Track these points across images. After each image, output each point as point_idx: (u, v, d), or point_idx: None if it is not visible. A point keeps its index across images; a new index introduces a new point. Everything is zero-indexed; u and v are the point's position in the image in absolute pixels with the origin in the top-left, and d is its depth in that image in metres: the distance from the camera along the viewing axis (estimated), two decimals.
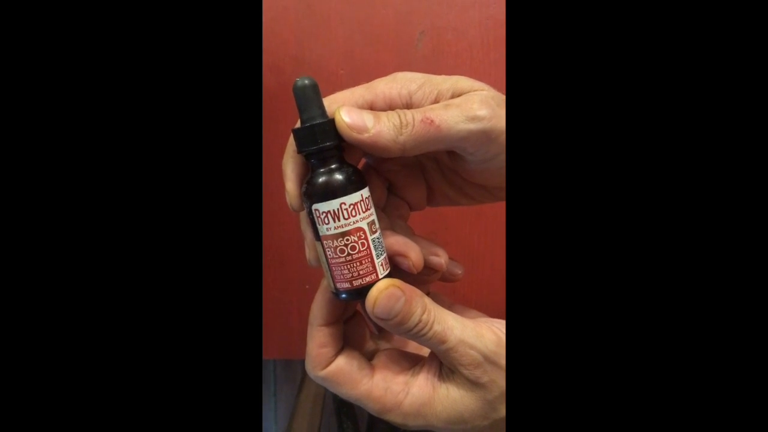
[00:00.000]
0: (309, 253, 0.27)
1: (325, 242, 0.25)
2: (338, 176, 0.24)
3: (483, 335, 0.25)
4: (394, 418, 0.27)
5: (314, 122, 0.24)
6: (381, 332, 0.32)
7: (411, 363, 0.28)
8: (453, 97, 0.26)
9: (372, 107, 0.26)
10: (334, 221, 0.24)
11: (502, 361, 0.25)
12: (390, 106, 0.26)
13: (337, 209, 0.24)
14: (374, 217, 0.25)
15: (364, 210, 0.24)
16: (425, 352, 0.29)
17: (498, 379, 0.25)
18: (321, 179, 0.24)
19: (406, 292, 0.25)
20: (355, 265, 0.25)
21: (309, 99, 0.24)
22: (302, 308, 0.49)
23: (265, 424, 1.08)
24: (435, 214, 0.45)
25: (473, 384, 0.26)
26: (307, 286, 0.48)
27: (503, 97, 0.26)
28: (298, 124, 0.25)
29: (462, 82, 0.26)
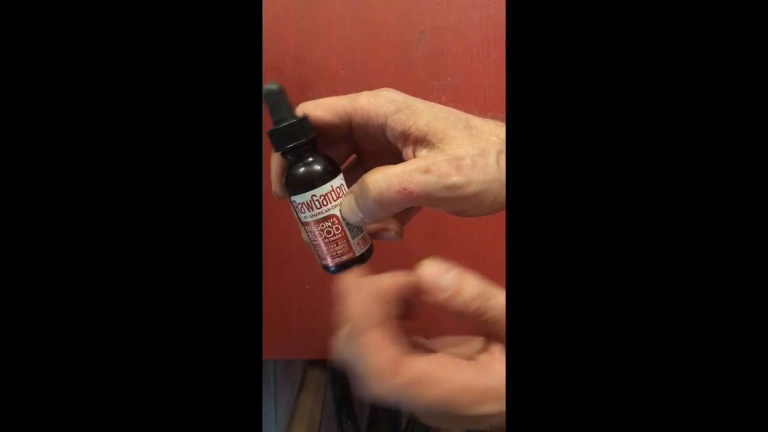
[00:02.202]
0: (303, 235, 0.29)
1: (306, 227, 0.28)
2: (310, 169, 0.27)
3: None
4: (492, 406, 0.22)
5: (284, 123, 0.27)
6: None
7: (465, 344, 0.25)
8: (426, 137, 0.26)
9: (351, 119, 0.28)
10: (309, 210, 0.27)
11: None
12: (366, 122, 0.27)
13: (309, 200, 0.27)
14: None
15: (335, 198, 0.27)
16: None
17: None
18: (294, 173, 0.27)
19: (460, 273, 0.23)
20: (332, 246, 0.28)
21: (278, 102, 0.27)
22: (302, 308, 0.49)
23: (265, 424, 1.08)
24: (435, 214, 0.45)
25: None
26: (307, 286, 0.48)
27: (488, 144, 0.26)
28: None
29: (439, 125, 0.26)
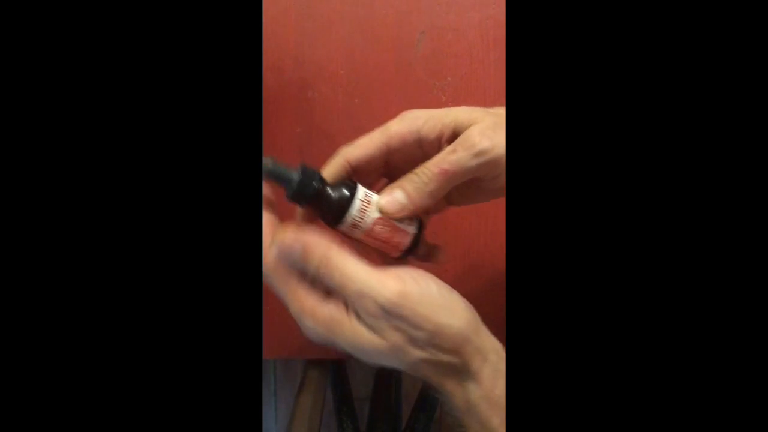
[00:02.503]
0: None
1: (365, 242, 0.30)
2: (336, 199, 0.29)
3: (386, 285, 0.26)
4: (304, 322, 0.27)
5: (293, 183, 0.29)
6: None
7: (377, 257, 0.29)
8: (455, 131, 0.30)
9: (388, 147, 0.31)
10: (356, 229, 0.29)
11: (405, 311, 0.25)
12: (403, 143, 0.30)
13: (352, 222, 0.29)
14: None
15: (368, 205, 0.29)
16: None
17: (402, 326, 0.26)
18: (325, 210, 0.30)
19: (306, 242, 0.26)
20: (390, 241, 0.30)
21: (277, 172, 0.29)
22: None
23: (265, 424, 1.08)
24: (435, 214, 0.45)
25: (377, 329, 0.26)
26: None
27: (499, 118, 0.30)
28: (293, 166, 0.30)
29: (461, 114, 0.30)
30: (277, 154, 0.47)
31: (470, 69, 0.45)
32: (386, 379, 0.72)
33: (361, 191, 0.30)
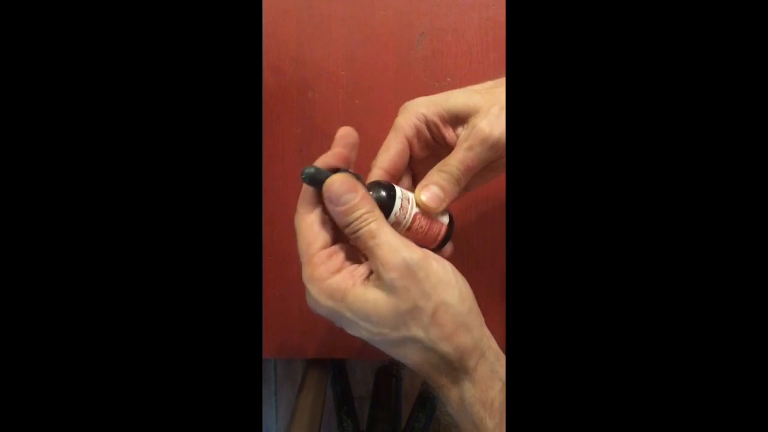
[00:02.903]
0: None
1: (406, 235, 0.31)
2: (380, 198, 0.31)
3: (412, 248, 0.27)
4: (310, 289, 0.28)
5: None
6: None
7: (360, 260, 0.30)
8: (455, 114, 0.33)
9: (409, 142, 0.33)
10: (399, 226, 0.31)
11: (421, 273, 0.27)
12: (418, 131, 0.33)
13: (395, 219, 0.31)
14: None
15: (408, 203, 0.32)
16: None
17: (412, 289, 0.26)
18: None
19: (360, 192, 0.28)
20: (429, 234, 0.33)
21: (322, 179, 0.29)
22: (302, 308, 0.49)
23: (265, 424, 1.08)
24: None
25: (388, 288, 0.27)
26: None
27: (494, 97, 0.32)
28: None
29: (459, 99, 0.33)
30: (277, 154, 0.47)
31: (470, 69, 0.45)
32: (386, 378, 0.72)
33: (398, 190, 0.32)
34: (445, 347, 0.27)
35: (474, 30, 0.45)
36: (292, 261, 0.48)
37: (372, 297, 0.27)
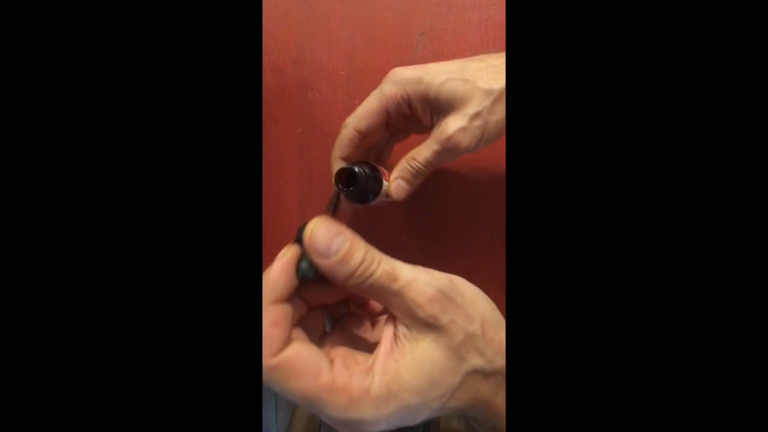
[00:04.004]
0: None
1: (377, 204, 0.39)
2: (375, 181, 0.36)
3: (434, 274, 0.24)
4: (365, 410, 0.22)
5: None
6: (333, 327, 0.29)
7: (366, 346, 0.26)
8: (440, 105, 0.34)
9: (386, 110, 0.35)
10: (378, 201, 0.38)
11: (458, 298, 0.24)
12: (398, 106, 0.35)
13: (377, 200, 0.38)
14: None
15: (387, 182, 0.38)
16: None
17: (458, 319, 0.23)
18: (370, 188, 0.37)
19: (347, 233, 0.23)
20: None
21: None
22: None
23: (265, 424, 1.08)
24: (435, 214, 0.46)
25: (434, 329, 0.23)
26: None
27: (492, 62, 0.34)
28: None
29: (447, 86, 0.33)
30: (277, 154, 0.47)
31: None
32: None
33: (380, 173, 0.37)
34: (501, 361, 0.24)
35: (474, 30, 0.45)
36: None
37: (423, 354, 0.23)
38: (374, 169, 0.36)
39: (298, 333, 0.24)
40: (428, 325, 0.23)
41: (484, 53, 0.36)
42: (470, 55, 0.45)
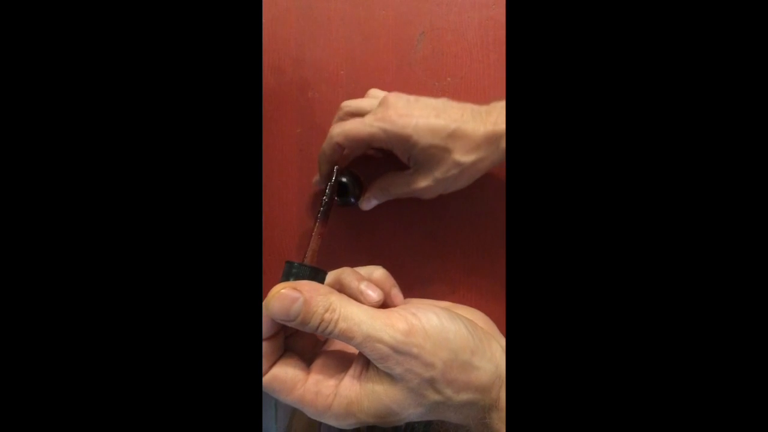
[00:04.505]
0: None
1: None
2: (359, 185, 0.44)
3: (393, 325, 0.26)
4: (328, 420, 0.27)
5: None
6: (325, 342, 0.34)
7: (346, 364, 0.29)
8: (419, 159, 0.38)
9: (370, 144, 0.39)
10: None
11: (414, 349, 0.25)
12: (381, 143, 0.38)
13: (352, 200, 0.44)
14: None
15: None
16: None
17: (414, 368, 0.25)
18: (358, 190, 0.44)
19: (305, 292, 0.26)
20: None
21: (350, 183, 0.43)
22: None
23: (265, 424, 1.07)
24: (434, 214, 0.45)
25: (391, 379, 0.26)
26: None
27: (420, 107, 0.37)
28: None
29: (432, 151, 0.37)
30: (277, 154, 0.47)
31: (470, 69, 0.45)
32: None
33: (361, 181, 0.43)
34: (466, 396, 0.26)
35: (474, 30, 0.45)
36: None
37: (382, 390, 0.26)
38: (357, 177, 0.43)
39: (287, 354, 0.29)
40: (387, 375, 0.26)
41: (494, 101, 0.37)
42: (471, 54, 0.45)
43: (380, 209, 0.45)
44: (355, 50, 0.46)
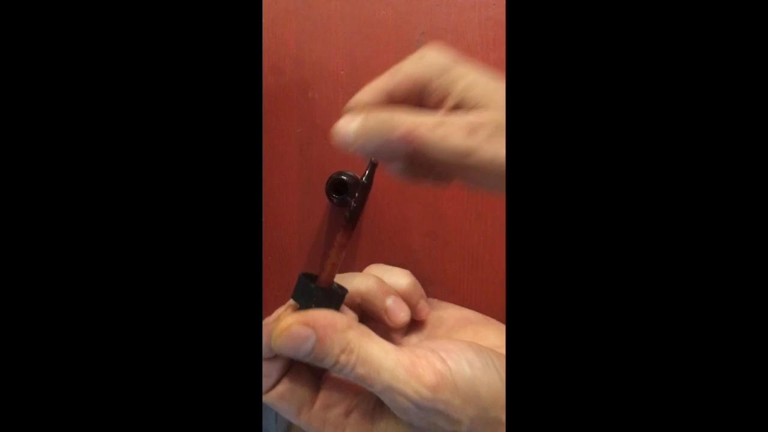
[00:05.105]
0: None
1: None
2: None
3: (418, 377, 0.23)
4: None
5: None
6: None
7: (357, 389, 0.26)
8: (459, 106, 0.25)
9: (392, 95, 0.26)
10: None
11: (441, 405, 0.23)
12: (410, 91, 0.26)
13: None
14: None
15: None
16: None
17: (438, 421, 0.23)
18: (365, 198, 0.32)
19: (318, 329, 0.23)
20: None
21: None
22: None
23: (265, 424, 1.07)
24: (435, 214, 0.45)
25: (408, 425, 0.23)
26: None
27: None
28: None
29: (478, 88, 0.25)
30: (277, 154, 0.47)
31: None
32: None
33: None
34: None
35: (474, 29, 0.45)
36: (292, 261, 0.48)
37: None
38: (355, 177, 0.41)
39: (295, 368, 0.27)
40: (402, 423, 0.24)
41: None
42: (471, 54, 0.45)
43: (380, 209, 0.45)
44: (355, 50, 0.46)
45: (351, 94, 0.48)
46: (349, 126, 0.26)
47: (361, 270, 0.40)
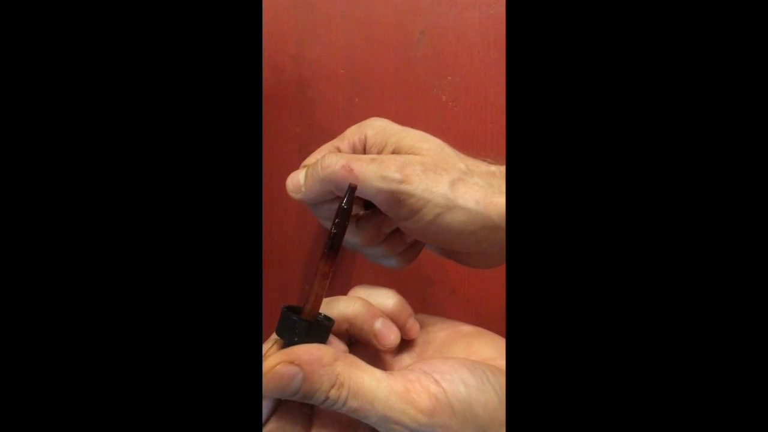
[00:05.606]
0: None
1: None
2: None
3: (413, 403, 0.22)
4: None
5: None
6: None
7: (350, 421, 0.25)
8: (394, 151, 0.29)
9: (339, 150, 0.31)
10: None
11: (438, 430, 0.22)
12: (354, 146, 0.31)
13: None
14: None
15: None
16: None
17: None
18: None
19: (304, 365, 0.23)
20: None
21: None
22: None
23: None
24: None
25: None
26: (307, 287, 0.48)
27: (444, 167, 0.28)
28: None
29: (408, 139, 0.29)
30: (277, 153, 0.47)
31: (470, 69, 0.45)
32: None
33: None
34: None
35: (475, 28, 0.45)
36: (292, 261, 0.48)
37: None
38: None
39: (286, 404, 0.25)
40: None
41: (487, 160, 0.32)
42: (471, 53, 0.45)
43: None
44: (355, 49, 0.46)
45: (351, 94, 0.48)
46: (297, 176, 0.30)
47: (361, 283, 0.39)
